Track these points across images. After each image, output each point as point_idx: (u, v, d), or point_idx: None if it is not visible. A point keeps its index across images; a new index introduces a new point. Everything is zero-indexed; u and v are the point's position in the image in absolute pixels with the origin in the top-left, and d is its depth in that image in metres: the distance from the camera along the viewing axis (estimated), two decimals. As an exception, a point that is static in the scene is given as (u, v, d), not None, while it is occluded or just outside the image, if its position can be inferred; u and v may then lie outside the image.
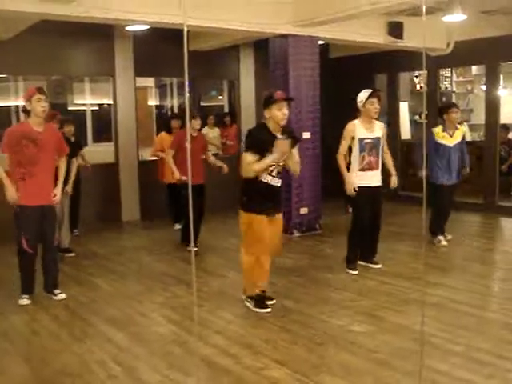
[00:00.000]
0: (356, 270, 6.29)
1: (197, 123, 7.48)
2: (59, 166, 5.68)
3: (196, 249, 7.38)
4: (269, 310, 5.15)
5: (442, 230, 7.53)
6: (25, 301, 5.47)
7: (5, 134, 5.35)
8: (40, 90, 5.32)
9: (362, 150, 6.13)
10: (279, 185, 5.12)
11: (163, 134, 9.08)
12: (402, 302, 5.32)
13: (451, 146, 7.27)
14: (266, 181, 5.00)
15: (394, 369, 3.95)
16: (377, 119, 6.33)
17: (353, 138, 6.16)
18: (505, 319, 4.88)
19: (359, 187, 6.14)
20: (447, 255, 7.12)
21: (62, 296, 5.65)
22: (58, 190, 5.57)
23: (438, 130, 7.28)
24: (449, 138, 7.26)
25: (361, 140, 6.14)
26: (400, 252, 7.20)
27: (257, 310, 5.16)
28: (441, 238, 7.43)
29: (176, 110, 12.24)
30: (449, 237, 7.63)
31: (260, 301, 5.20)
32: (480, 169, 10.26)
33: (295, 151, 5.14)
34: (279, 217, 5.24)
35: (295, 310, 5.18)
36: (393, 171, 6.44)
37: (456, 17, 8.18)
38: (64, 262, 6.71)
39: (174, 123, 8.94)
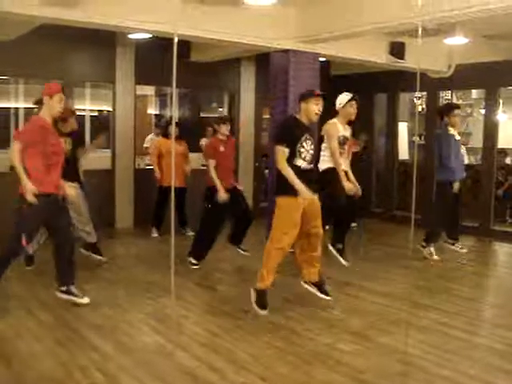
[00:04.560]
0: None
1: (226, 128, 7.32)
2: None
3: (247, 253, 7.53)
4: (266, 312, 5.24)
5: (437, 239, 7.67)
6: None
7: (27, 129, 5.42)
8: (64, 90, 5.35)
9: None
10: (309, 169, 5.37)
11: (161, 139, 9.15)
12: (391, 323, 5.28)
13: (460, 142, 7.65)
14: (299, 164, 5.24)
15: (379, 390, 3.91)
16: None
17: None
18: (494, 345, 4.84)
19: None
20: (439, 277, 7.09)
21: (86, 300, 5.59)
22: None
23: (450, 128, 7.50)
24: (457, 135, 7.61)
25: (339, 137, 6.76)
26: (392, 272, 7.16)
27: (256, 307, 5.25)
28: (432, 249, 7.47)
29: (177, 121, 12.25)
30: (464, 250, 7.85)
31: (263, 297, 5.29)
32: (476, 192, 10.26)
33: None
34: (316, 198, 5.40)
35: (283, 327, 5.14)
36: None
37: (458, 40, 8.21)
38: (53, 266, 6.64)
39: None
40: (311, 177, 5.40)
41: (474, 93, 12.46)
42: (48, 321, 5.19)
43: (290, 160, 5.22)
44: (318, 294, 5.63)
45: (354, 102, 6.76)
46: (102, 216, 9.49)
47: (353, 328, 5.15)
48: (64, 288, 5.56)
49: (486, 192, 9.78)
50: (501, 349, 4.75)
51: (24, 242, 5.27)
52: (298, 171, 5.21)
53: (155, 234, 9.18)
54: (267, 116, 10.51)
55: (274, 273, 5.34)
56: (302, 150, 5.24)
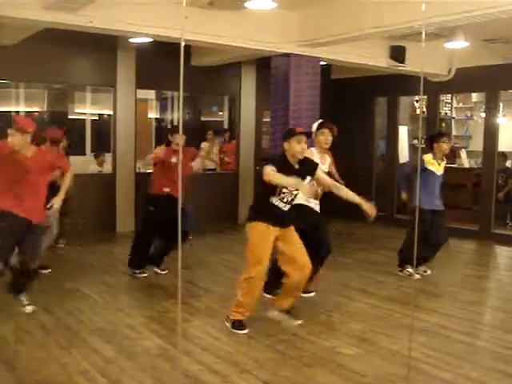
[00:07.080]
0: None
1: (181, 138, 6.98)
2: (63, 181, 5.48)
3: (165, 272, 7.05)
4: (246, 331, 5.01)
5: (417, 260, 6.96)
6: None
7: None
8: (15, 124, 5.01)
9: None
10: (286, 209, 4.98)
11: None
12: (392, 327, 5.28)
13: (438, 174, 7.06)
14: (275, 203, 4.91)
15: (381, 394, 3.91)
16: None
17: None
18: (495, 348, 4.85)
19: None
20: (440, 281, 7.09)
21: (30, 309, 5.47)
22: (56, 200, 5.29)
23: (428, 156, 6.99)
24: (437, 166, 7.03)
25: None
26: (393, 276, 7.17)
27: (234, 331, 5.03)
28: (410, 269, 6.99)
29: (176, 124, 12.26)
30: (428, 271, 7.20)
31: (238, 323, 5.07)
32: (477, 196, 10.27)
33: (323, 176, 5.22)
34: (292, 229, 5.07)
35: (284, 330, 5.13)
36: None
37: (458, 43, 8.23)
38: (54, 271, 6.65)
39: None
40: (285, 216, 5.00)
41: (474, 96, 12.46)
42: (49, 325, 5.19)
43: (267, 195, 4.93)
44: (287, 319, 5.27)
45: (325, 130, 5.87)
46: (103, 220, 9.53)
47: (354, 331, 5.15)
48: None
49: (487, 195, 9.79)
50: (502, 352, 4.75)
51: None
52: (271, 207, 4.93)
53: None
54: (268, 119, 10.52)
55: (248, 308, 5.05)
56: (285, 190, 4.88)
